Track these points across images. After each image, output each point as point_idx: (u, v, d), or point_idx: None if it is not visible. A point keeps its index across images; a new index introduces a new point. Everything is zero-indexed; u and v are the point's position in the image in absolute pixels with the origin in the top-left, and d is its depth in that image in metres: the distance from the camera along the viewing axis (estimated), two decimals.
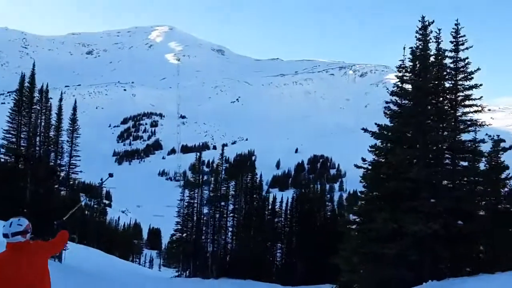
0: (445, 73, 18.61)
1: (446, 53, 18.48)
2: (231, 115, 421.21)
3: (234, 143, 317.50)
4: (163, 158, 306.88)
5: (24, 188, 27.52)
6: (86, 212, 65.78)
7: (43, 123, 28.86)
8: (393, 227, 16.46)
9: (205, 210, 44.67)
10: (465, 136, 18.66)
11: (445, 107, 18.71)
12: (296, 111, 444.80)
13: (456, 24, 18.27)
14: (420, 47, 18.58)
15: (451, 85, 18.54)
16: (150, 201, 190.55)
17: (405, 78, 19.35)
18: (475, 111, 18.20)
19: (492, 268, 16.96)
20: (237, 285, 34.38)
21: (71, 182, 32.92)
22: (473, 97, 18.14)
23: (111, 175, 6.00)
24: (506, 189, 21.13)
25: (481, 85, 18.08)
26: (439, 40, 18.39)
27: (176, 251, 47.41)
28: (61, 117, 29.56)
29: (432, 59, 18.69)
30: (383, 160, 20.03)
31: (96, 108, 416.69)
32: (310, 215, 45.10)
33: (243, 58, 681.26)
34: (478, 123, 18.02)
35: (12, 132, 28.47)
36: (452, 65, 18.47)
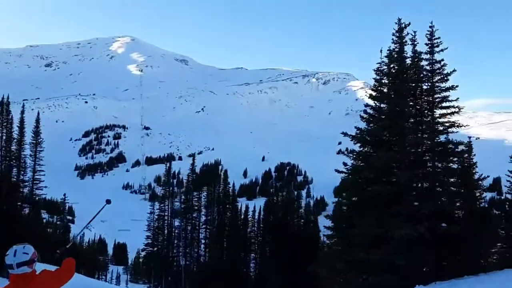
0: (422, 75, 18.61)
1: (422, 55, 18.50)
2: (196, 125, 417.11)
3: (200, 153, 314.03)
4: (127, 170, 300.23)
5: None
6: (49, 229, 63.07)
7: (4, 137, 27.29)
8: (378, 232, 16.12)
9: (176, 223, 43.52)
10: (442, 138, 18.69)
11: (423, 109, 18.68)
12: (261, 119, 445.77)
13: (430, 27, 18.34)
14: (396, 49, 18.52)
15: (428, 86, 18.54)
16: (114, 216, 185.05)
17: (383, 81, 19.23)
18: (452, 113, 18.26)
19: (476, 270, 16.93)
20: None
21: (36, 198, 31.21)
22: (450, 98, 18.20)
23: (108, 201, 5.29)
24: (479, 190, 21.46)
25: (457, 86, 18.19)
26: (415, 43, 18.39)
27: (147, 266, 45.93)
28: (23, 131, 28.11)
29: (408, 61, 18.66)
30: (361, 164, 19.79)
31: (56, 121, 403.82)
32: (282, 222, 44.68)
33: (207, 67, 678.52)
34: (456, 125, 18.08)
35: None
36: (428, 67, 18.49)
